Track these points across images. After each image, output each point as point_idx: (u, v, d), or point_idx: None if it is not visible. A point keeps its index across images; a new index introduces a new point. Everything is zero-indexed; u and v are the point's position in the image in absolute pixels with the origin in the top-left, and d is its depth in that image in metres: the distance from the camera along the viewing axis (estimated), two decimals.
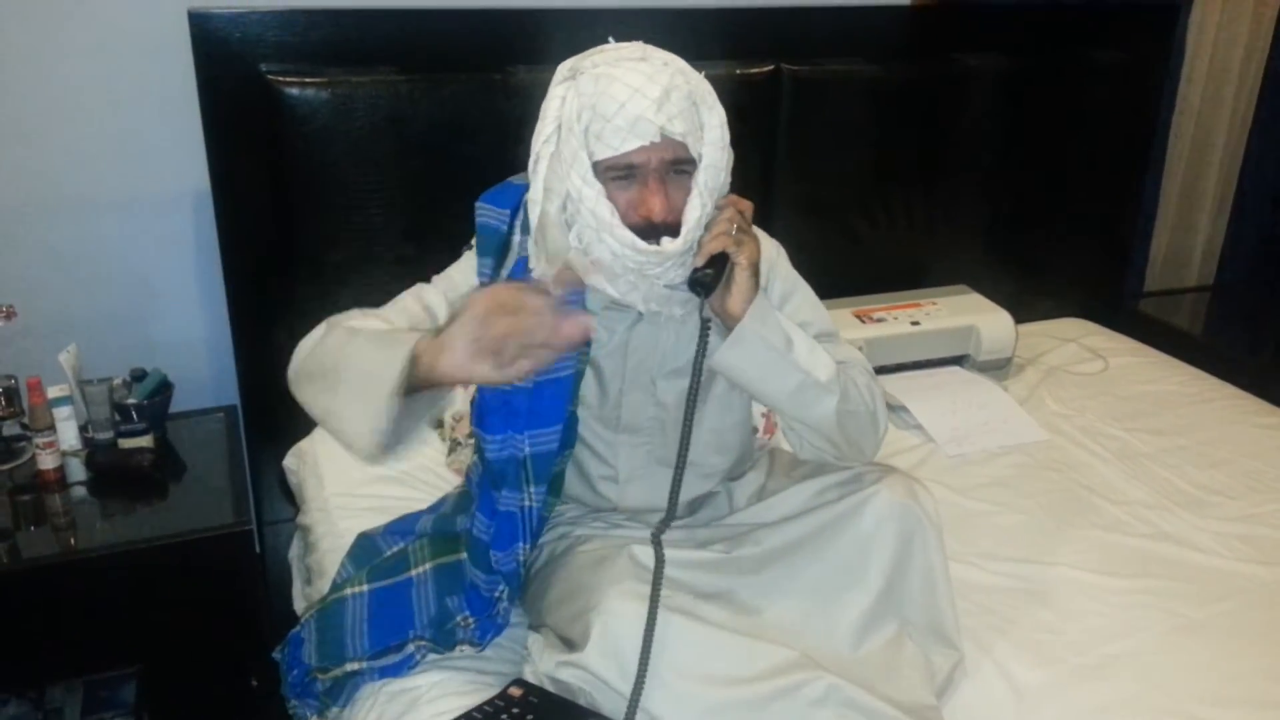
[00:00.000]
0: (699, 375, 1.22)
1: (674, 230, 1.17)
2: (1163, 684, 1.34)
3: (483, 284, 1.29)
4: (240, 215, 1.85)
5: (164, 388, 1.93)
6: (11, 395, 1.83)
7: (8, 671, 1.68)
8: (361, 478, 1.75)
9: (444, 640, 1.31)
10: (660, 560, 1.21)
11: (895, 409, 2.03)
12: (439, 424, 1.81)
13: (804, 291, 1.38)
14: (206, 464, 1.91)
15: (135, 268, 1.99)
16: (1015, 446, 1.96)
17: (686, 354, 1.32)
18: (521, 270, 1.23)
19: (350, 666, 1.29)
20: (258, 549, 1.93)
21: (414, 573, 1.37)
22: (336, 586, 1.40)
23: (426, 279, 1.35)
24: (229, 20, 1.75)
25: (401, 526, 1.48)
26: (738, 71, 2.05)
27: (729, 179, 1.23)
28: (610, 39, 1.23)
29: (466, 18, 1.92)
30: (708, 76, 1.23)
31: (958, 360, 2.24)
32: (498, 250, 1.28)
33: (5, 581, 1.62)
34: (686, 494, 1.37)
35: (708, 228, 1.19)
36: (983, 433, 1.98)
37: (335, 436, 1.16)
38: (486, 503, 1.32)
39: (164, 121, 1.91)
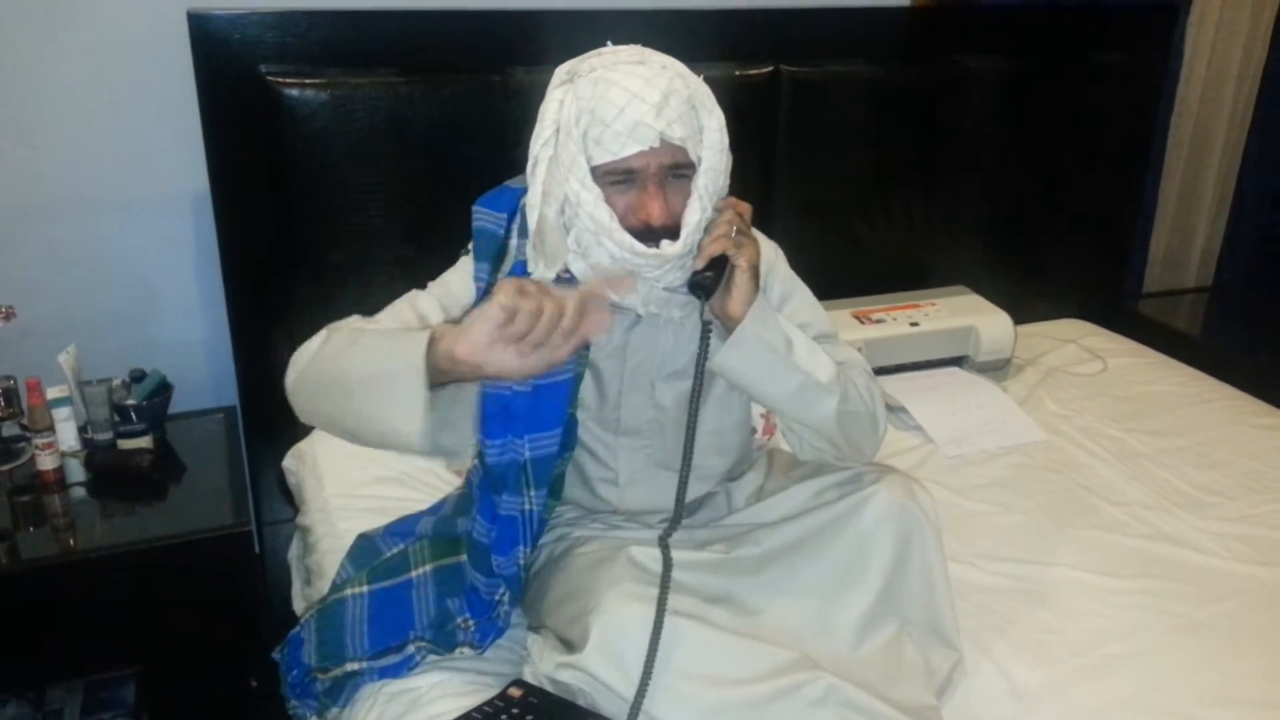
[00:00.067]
0: (701, 378, 1.22)
1: (673, 233, 1.17)
2: (1162, 684, 1.34)
3: (479, 289, 1.29)
4: (240, 216, 1.85)
5: (163, 388, 1.93)
6: (11, 396, 1.83)
7: (7, 672, 1.68)
8: (361, 479, 1.75)
9: (444, 642, 1.31)
10: (668, 564, 1.21)
11: (894, 410, 2.04)
12: None
13: (802, 293, 1.39)
14: (206, 465, 1.91)
15: (135, 268, 1.99)
16: (1014, 447, 1.96)
17: (685, 356, 1.32)
18: (519, 274, 1.23)
19: (350, 666, 1.29)
20: (257, 550, 1.93)
21: (414, 574, 1.37)
22: (336, 587, 1.40)
23: (426, 280, 1.36)
24: (228, 21, 1.75)
25: (401, 528, 1.48)
26: (737, 73, 2.06)
27: (728, 181, 1.23)
28: (609, 41, 1.23)
29: (466, 19, 1.92)
30: (706, 78, 1.23)
31: (957, 361, 2.24)
32: (495, 254, 1.28)
33: (5, 582, 1.62)
34: (686, 496, 1.37)
35: (707, 230, 1.19)
36: (982, 433, 1.98)
37: (379, 442, 1.13)
38: (487, 507, 1.32)
39: (163, 122, 1.91)
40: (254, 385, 1.96)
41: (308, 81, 1.79)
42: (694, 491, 1.41)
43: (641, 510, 1.39)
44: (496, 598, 1.32)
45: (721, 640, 1.18)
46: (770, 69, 2.09)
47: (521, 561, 1.30)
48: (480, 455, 1.31)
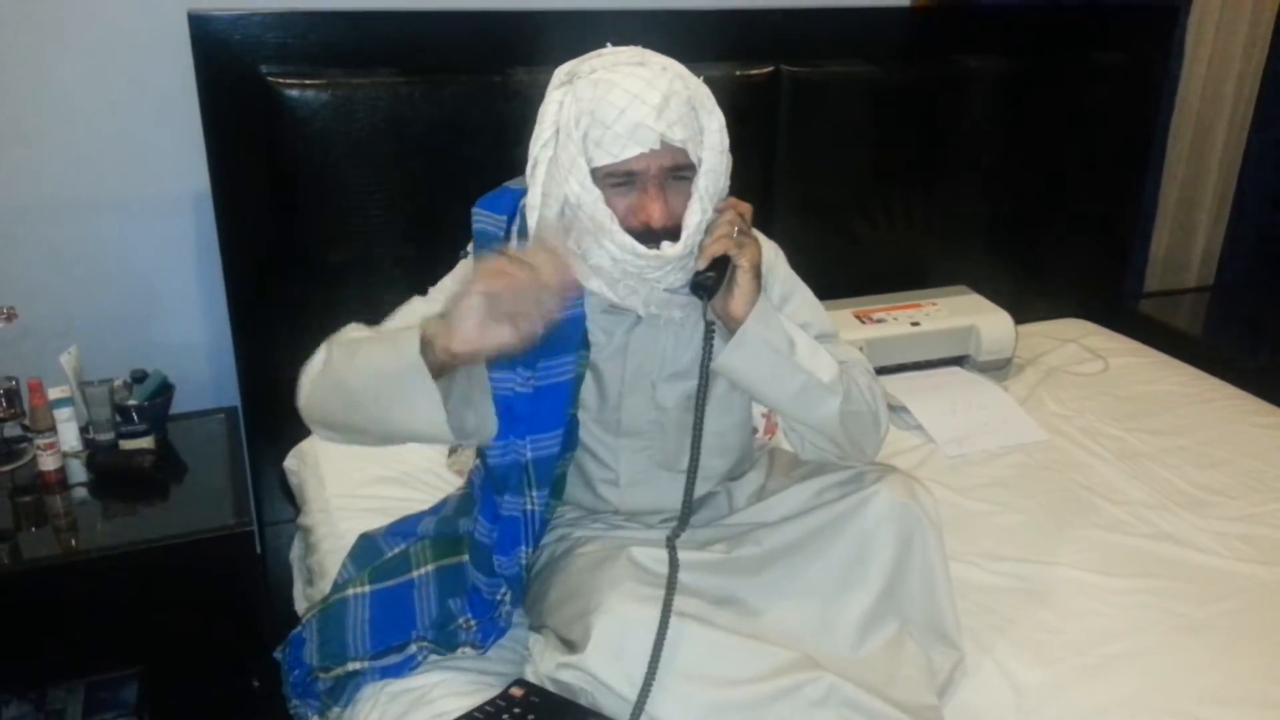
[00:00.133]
0: (706, 379, 1.22)
1: (673, 235, 1.17)
2: (1163, 684, 1.34)
3: None
4: (240, 217, 1.85)
5: (165, 389, 1.94)
6: (12, 397, 1.83)
7: (9, 672, 1.68)
8: (362, 479, 1.75)
9: (446, 642, 1.31)
10: (674, 565, 1.21)
11: (895, 409, 2.04)
12: None
13: (803, 292, 1.39)
14: (207, 465, 1.91)
15: (136, 269, 2.00)
16: (1015, 447, 1.96)
17: (686, 357, 1.32)
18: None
19: (352, 666, 1.29)
20: (259, 550, 1.93)
21: (415, 574, 1.37)
22: (338, 587, 1.40)
23: (426, 280, 1.36)
24: (229, 22, 1.75)
25: (403, 528, 1.48)
26: (737, 73, 2.06)
27: (728, 182, 1.23)
28: (609, 42, 1.22)
29: (466, 20, 1.92)
30: (706, 78, 1.23)
31: (958, 361, 2.24)
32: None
33: (7, 582, 1.62)
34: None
35: (708, 231, 1.19)
36: (983, 433, 1.98)
37: (411, 440, 1.20)
38: (488, 507, 1.32)
39: (164, 123, 1.91)
40: (255, 385, 1.96)
41: (308, 82, 1.79)
42: (695, 491, 1.41)
43: (643, 510, 1.39)
44: (498, 598, 1.32)
45: (722, 640, 1.18)
46: (770, 69, 2.09)
47: (523, 561, 1.31)
48: (482, 456, 1.32)
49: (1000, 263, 2.47)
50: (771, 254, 1.37)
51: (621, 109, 1.13)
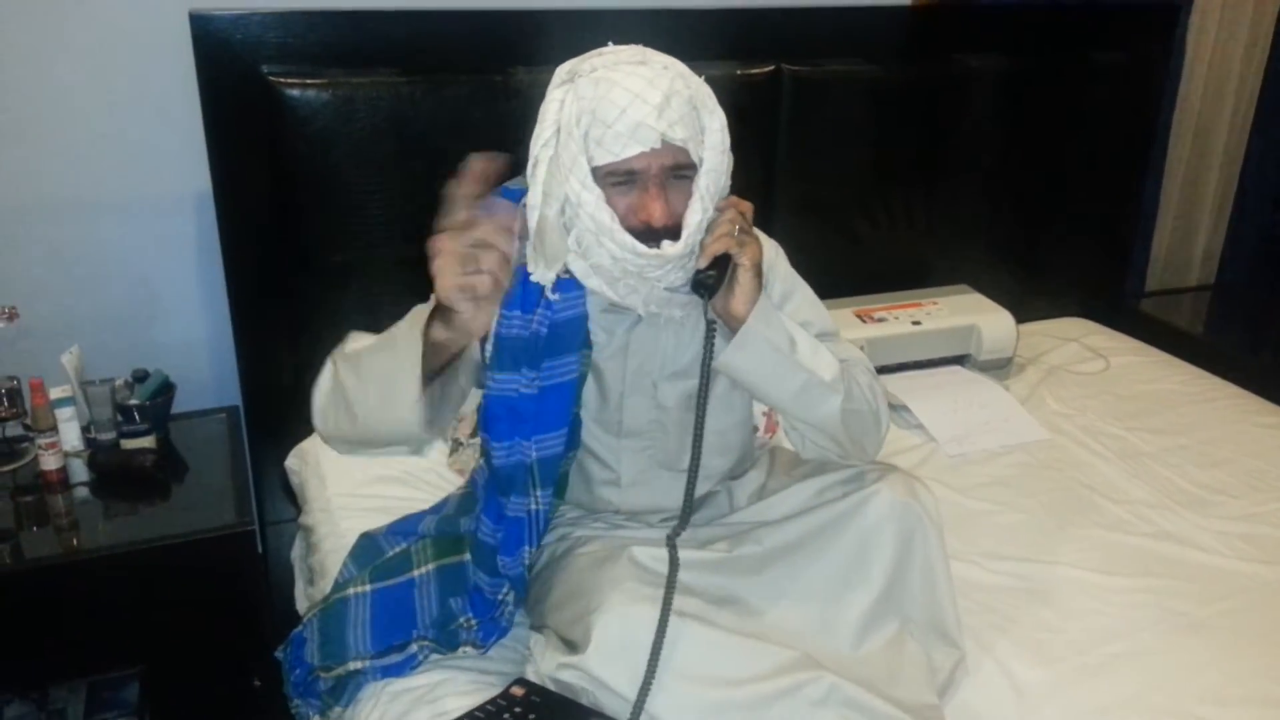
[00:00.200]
0: (707, 379, 1.22)
1: (674, 234, 1.17)
2: (1164, 683, 1.34)
3: None
4: (242, 216, 1.85)
5: (166, 388, 1.94)
6: (14, 396, 1.84)
7: (11, 672, 1.68)
8: (363, 478, 1.75)
9: (447, 641, 1.31)
10: (674, 565, 1.21)
11: (896, 408, 2.04)
12: None
13: (804, 291, 1.39)
14: (209, 464, 1.91)
15: (137, 269, 2.00)
16: (1016, 446, 1.96)
17: (687, 356, 1.32)
18: (521, 276, 1.23)
19: (353, 665, 1.30)
20: (260, 549, 1.93)
21: (416, 573, 1.37)
22: (339, 586, 1.41)
23: (427, 280, 1.35)
24: (230, 22, 1.75)
25: (404, 527, 1.48)
26: (738, 72, 2.06)
27: (729, 182, 1.23)
28: (610, 41, 1.22)
29: (467, 19, 1.92)
30: (707, 77, 1.23)
31: (959, 360, 2.24)
32: None
33: (8, 582, 1.62)
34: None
35: (709, 230, 1.19)
36: (984, 432, 1.98)
37: (388, 428, 1.19)
38: (492, 508, 1.32)
39: (165, 122, 1.91)
40: (257, 385, 1.96)
41: (309, 82, 1.79)
42: (697, 490, 1.41)
43: (644, 510, 1.39)
44: (500, 597, 1.32)
45: (723, 640, 1.18)
46: (771, 68, 2.09)
47: (527, 561, 1.31)
48: (486, 457, 1.31)
49: (1001, 262, 2.47)
50: (772, 253, 1.37)
51: (623, 108, 1.13)
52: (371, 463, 1.77)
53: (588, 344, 1.28)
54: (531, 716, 1.16)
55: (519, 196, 1.27)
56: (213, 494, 1.81)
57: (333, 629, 1.33)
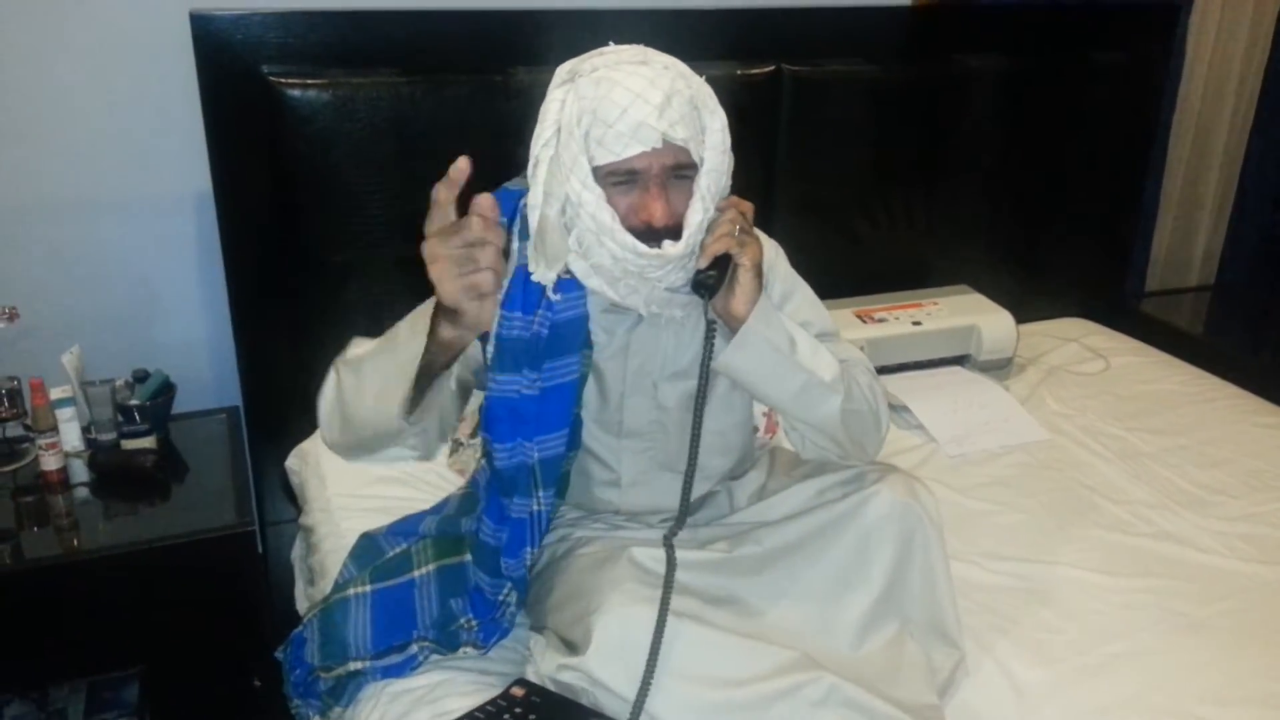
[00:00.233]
0: (706, 379, 1.22)
1: (675, 234, 1.17)
2: (1164, 683, 1.34)
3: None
4: (242, 216, 1.85)
5: (166, 389, 1.94)
6: (14, 396, 1.84)
7: (11, 672, 1.68)
8: (364, 478, 1.75)
9: (447, 641, 1.31)
10: (672, 564, 1.21)
11: (897, 409, 2.04)
12: None
13: (804, 291, 1.39)
14: (209, 465, 1.91)
15: (137, 269, 2.00)
16: (1016, 446, 1.96)
17: (687, 356, 1.32)
18: (522, 277, 1.23)
19: (353, 666, 1.30)
20: (260, 549, 1.93)
21: (417, 574, 1.37)
22: (339, 587, 1.40)
23: (426, 280, 1.35)
24: (230, 22, 1.75)
25: (404, 527, 1.48)
26: (738, 72, 2.06)
27: (730, 182, 1.23)
28: (611, 41, 1.22)
29: (467, 19, 1.92)
30: (708, 77, 1.23)
31: (959, 360, 2.24)
32: None
33: (9, 582, 1.62)
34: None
35: (709, 230, 1.19)
36: (984, 432, 1.98)
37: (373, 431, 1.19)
38: (494, 509, 1.32)
39: (165, 123, 1.91)
40: (257, 385, 1.96)
41: (310, 82, 1.79)
42: (696, 491, 1.41)
43: (644, 511, 1.39)
44: (501, 598, 1.32)
45: (723, 640, 1.18)
46: (772, 68, 2.09)
47: (529, 562, 1.31)
48: (488, 458, 1.31)
49: (1001, 262, 2.47)
50: (772, 253, 1.37)
51: (624, 108, 1.13)
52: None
53: (589, 344, 1.28)
54: (532, 717, 1.16)
55: (519, 196, 1.27)
56: (213, 494, 1.81)
57: (333, 629, 1.33)
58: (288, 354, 1.94)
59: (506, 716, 1.17)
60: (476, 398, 1.32)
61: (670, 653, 1.14)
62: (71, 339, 1.90)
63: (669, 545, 1.24)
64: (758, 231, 1.29)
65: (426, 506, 1.53)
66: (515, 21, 1.94)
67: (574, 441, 1.31)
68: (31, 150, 1.87)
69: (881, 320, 2.18)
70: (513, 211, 1.28)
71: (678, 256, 1.17)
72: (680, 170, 1.17)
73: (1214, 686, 1.34)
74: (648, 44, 1.22)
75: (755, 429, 1.56)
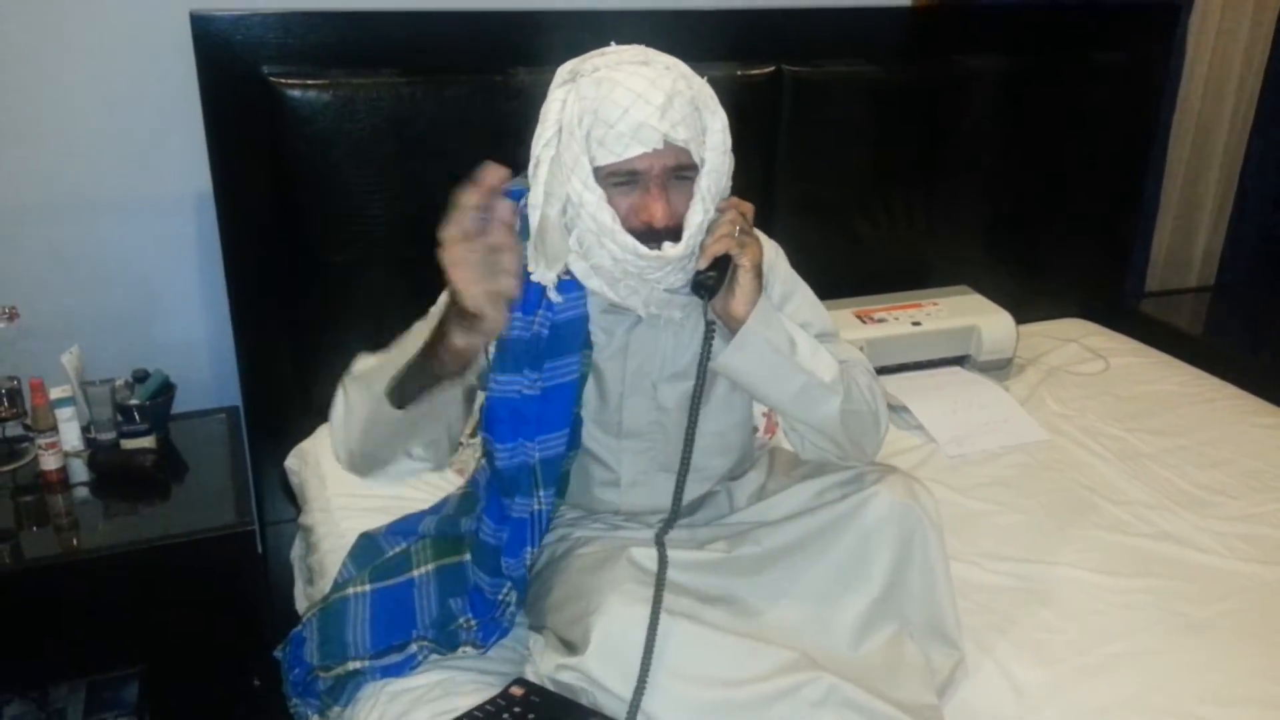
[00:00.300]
0: (703, 379, 1.22)
1: (675, 235, 1.17)
2: (1163, 684, 1.34)
3: None
4: (242, 217, 1.85)
5: (166, 388, 1.94)
6: (14, 396, 1.84)
7: (11, 672, 1.68)
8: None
9: (446, 641, 1.31)
10: (664, 563, 1.21)
11: (896, 409, 2.04)
12: None
13: (803, 292, 1.39)
14: (209, 464, 1.91)
15: (137, 269, 2.00)
16: (1016, 446, 1.96)
17: (687, 356, 1.32)
18: (522, 278, 1.23)
19: (352, 665, 1.30)
20: (260, 549, 1.93)
21: (416, 573, 1.38)
22: (338, 586, 1.41)
23: (427, 280, 1.35)
24: (231, 22, 1.75)
25: (404, 527, 1.48)
26: (738, 72, 2.06)
27: (730, 183, 1.23)
28: (613, 41, 1.23)
29: (468, 20, 1.92)
30: (708, 78, 1.23)
31: (959, 360, 2.24)
32: None
33: (8, 582, 1.62)
34: (687, 496, 1.37)
35: (709, 230, 1.19)
36: (983, 433, 1.99)
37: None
38: (495, 509, 1.32)
39: (166, 123, 1.91)
40: (256, 385, 1.96)
41: (310, 82, 1.79)
42: (695, 491, 1.41)
43: (643, 511, 1.39)
44: (501, 598, 1.32)
45: (722, 640, 1.18)
46: (772, 69, 2.09)
47: (529, 562, 1.31)
48: (489, 458, 1.31)
49: (1001, 262, 2.47)
50: (772, 253, 1.37)
51: (625, 108, 1.13)
52: None
53: (588, 344, 1.28)
54: (531, 716, 1.16)
55: (519, 196, 1.27)
56: (212, 494, 1.81)
57: (332, 628, 1.33)
58: (287, 354, 1.94)
59: (505, 716, 1.17)
60: (478, 398, 1.32)
61: (669, 652, 1.14)
62: (71, 339, 1.90)
63: (660, 544, 1.24)
64: (758, 232, 1.29)
65: (426, 506, 1.53)
66: (515, 21, 1.94)
67: (574, 441, 1.31)
68: (31, 150, 1.87)
69: (881, 320, 2.18)
70: None
71: (677, 258, 1.17)
72: (681, 171, 1.17)
73: (1213, 687, 1.34)
74: (648, 44, 1.22)
75: (755, 429, 1.57)
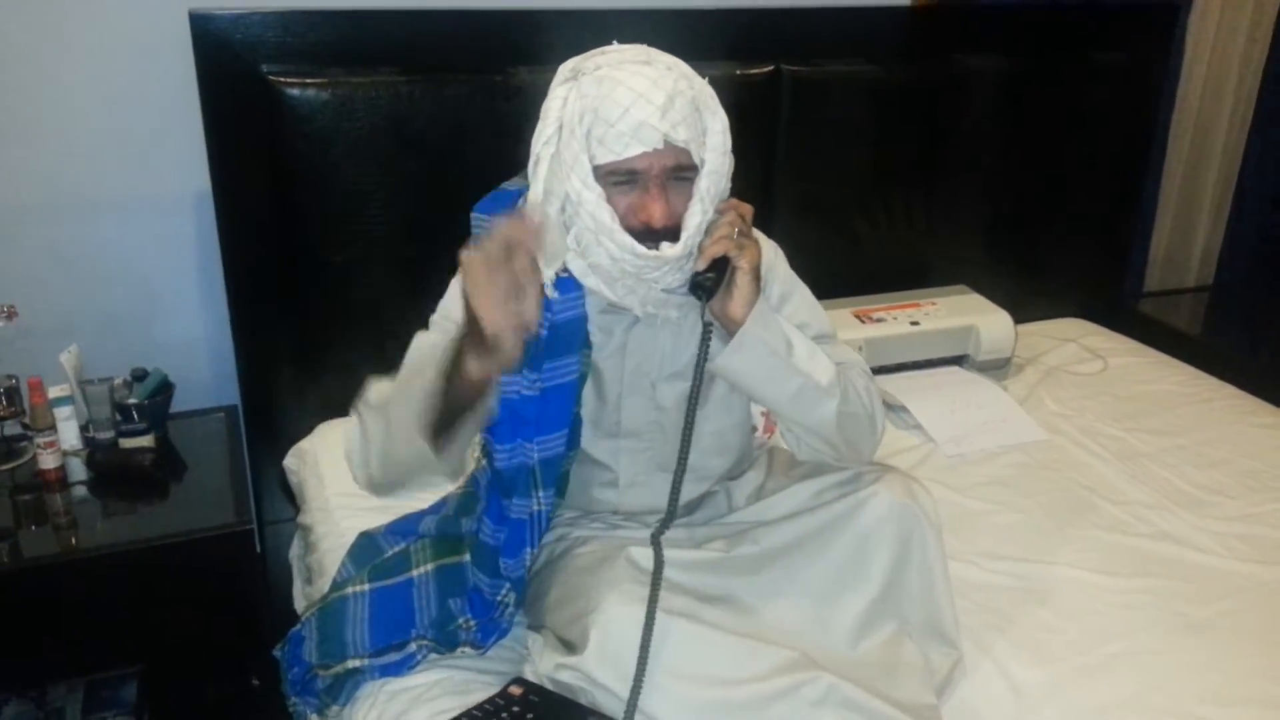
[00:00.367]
0: (700, 380, 1.22)
1: (673, 235, 1.17)
2: (1162, 683, 1.34)
3: None
4: (241, 215, 1.85)
5: (165, 387, 1.94)
6: (13, 395, 1.84)
7: (9, 671, 1.68)
8: None
9: (445, 641, 1.31)
10: (660, 562, 1.21)
11: (895, 409, 2.04)
12: None
13: (802, 292, 1.39)
14: (207, 464, 1.91)
15: (136, 268, 2.00)
16: (1015, 446, 1.96)
17: (685, 356, 1.32)
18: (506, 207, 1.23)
19: (351, 664, 1.30)
20: (258, 548, 1.93)
21: (415, 573, 1.38)
22: (337, 585, 1.41)
23: (427, 281, 1.35)
24: (230, 21, 1.75)
25: (403, 526, 1.48)
26: (738, 72, 2.06)
27: (729, 184, 1.23)
28: (614, 40, 1.23)
29: (467, 19, 1.92)
30: (707, 77, 1.23)
31: (957, 360, 2.24)
32: None
33: (7, 581, 1.62)
34: (685, 496, 1.37)
35: (708, 232, 1.19)
36: (982, 432, 1.99)
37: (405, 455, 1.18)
38: (495, 509, 1.32)
39: (165, 122, 1.91)
40: (255, 384, 1.96)
41: (309, 81, 1.79)
42: (694, 491, 1.41)
43: (642, 511, 1.39)
44: (500, 598, 1.32)
45: (721, 640, 1.18)
46: (771, 68, 2.09)
47: (528, 563, 1.31)
48: (489, 459, 1.31)
49: (1000, 262, 2.47)
50: (771, 254, 1.37)
51: (626, 107, 1.13)
52: None
53: (587, 344, 1.28)
54: (529, 716, 1.17)
55: (516, 196, 1.27)
56: (211, 493, 1.81)
57: (331, 627, 1.33)
58: (286, 353, 1.94)
59: (504, 715, 1.17)
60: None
61: (668, 652, 1.14)
62: (70, 338, 1.90)
63: (656, 543, 1.24)
64: (757, 233, 1.29)
65: (425, 506, 1.53)
66: (515, 21, 1.93)
67: (573, 441, 1.31)
68: (31, 150, 1.87)
69: (880, 320, 2.18)
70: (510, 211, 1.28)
71: (675, 258, 1.17)
72: (680, 172, 1.17)
73: (1212, 687, 1.34)
74: (647, 44, 1.22)
75: (754, 429, 1.57)
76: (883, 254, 2.37)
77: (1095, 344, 2.43)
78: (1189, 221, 2.89)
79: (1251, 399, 2.18)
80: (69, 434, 1.84)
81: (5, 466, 1.84)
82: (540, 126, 1.20)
